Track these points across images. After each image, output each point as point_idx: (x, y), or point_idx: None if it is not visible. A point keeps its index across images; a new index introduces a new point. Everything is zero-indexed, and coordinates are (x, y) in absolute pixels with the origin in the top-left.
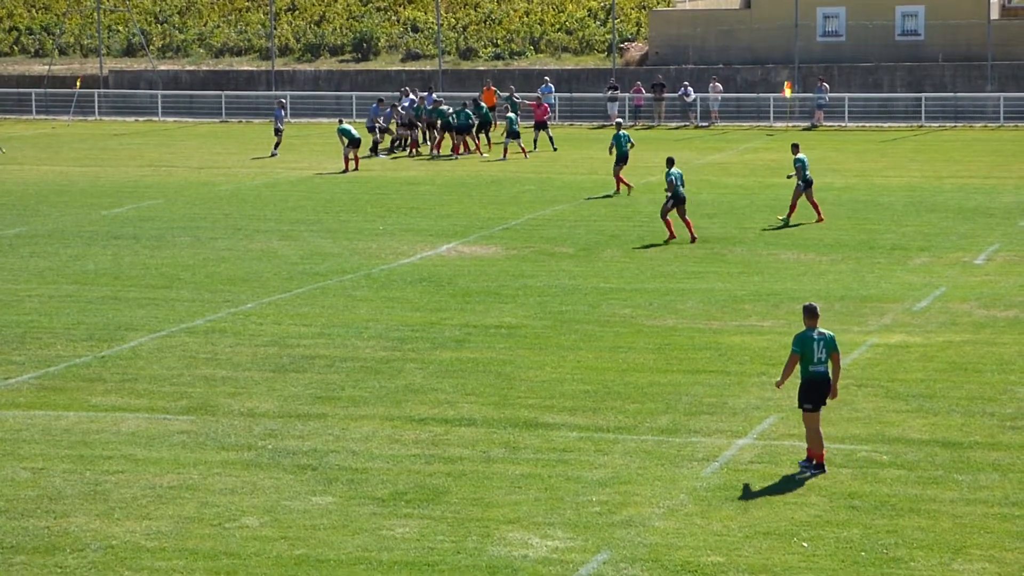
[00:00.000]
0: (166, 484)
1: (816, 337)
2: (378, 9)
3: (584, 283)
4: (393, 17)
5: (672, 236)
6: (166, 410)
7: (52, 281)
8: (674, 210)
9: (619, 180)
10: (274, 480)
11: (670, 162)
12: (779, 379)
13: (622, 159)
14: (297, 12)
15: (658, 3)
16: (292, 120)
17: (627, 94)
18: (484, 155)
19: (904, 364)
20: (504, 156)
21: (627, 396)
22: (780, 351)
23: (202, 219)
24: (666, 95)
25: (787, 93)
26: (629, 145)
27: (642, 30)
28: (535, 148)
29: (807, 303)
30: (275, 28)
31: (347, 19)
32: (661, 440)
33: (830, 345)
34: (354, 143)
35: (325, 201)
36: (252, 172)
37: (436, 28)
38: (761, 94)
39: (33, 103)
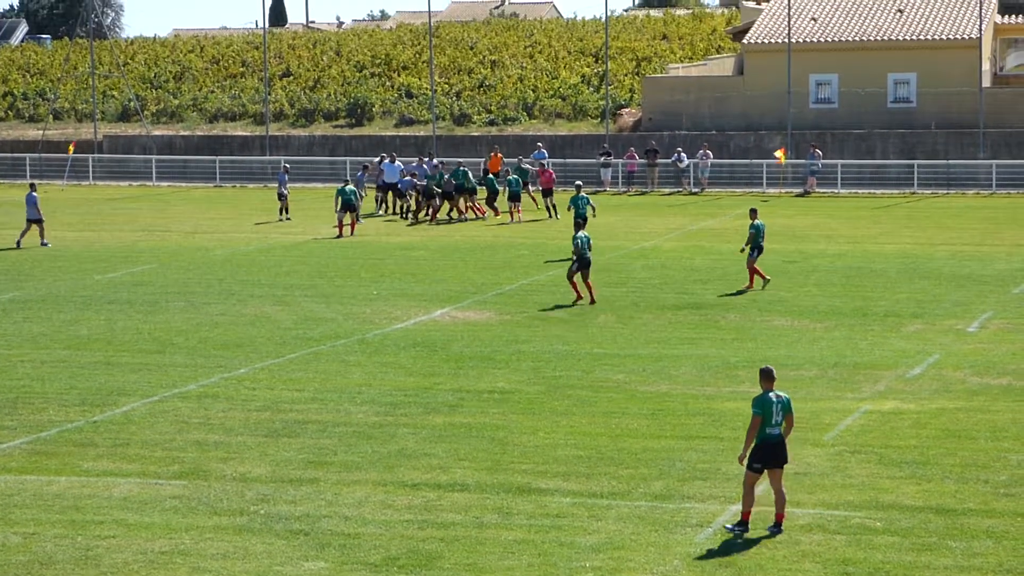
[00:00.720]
0: (158, 549)
1: (775, 400)
2: (372, 75)
3: (578, 348)
4: (387, 83)
5: (579, 297)
6: (158, 475)
7: (45, 346)
8: (579, 272)
9: None
10: (266, 545)
11: (578, 225)
12: (742, 451)
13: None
14: (291, 78)
15: (652, 70)
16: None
17: (620, 160)
18: (485, 216)
19: (897, 431)
20: (512, 219)
21: (620, 462)
22: None
23: (196, 284)
24: (659, 161)
25: (781, 159)
26: (589, 208)
27: (635, 96)
28: (556, 216)
29: (764, 366)
30: (269, 94)
31: (341, 85)
32: (655, 506)
33: (786, 408)
34: (346, 207)
35: (320, 266)
36: (247, 237)
37: (430, 94)
38: (754, 160)
39: (27, 168)
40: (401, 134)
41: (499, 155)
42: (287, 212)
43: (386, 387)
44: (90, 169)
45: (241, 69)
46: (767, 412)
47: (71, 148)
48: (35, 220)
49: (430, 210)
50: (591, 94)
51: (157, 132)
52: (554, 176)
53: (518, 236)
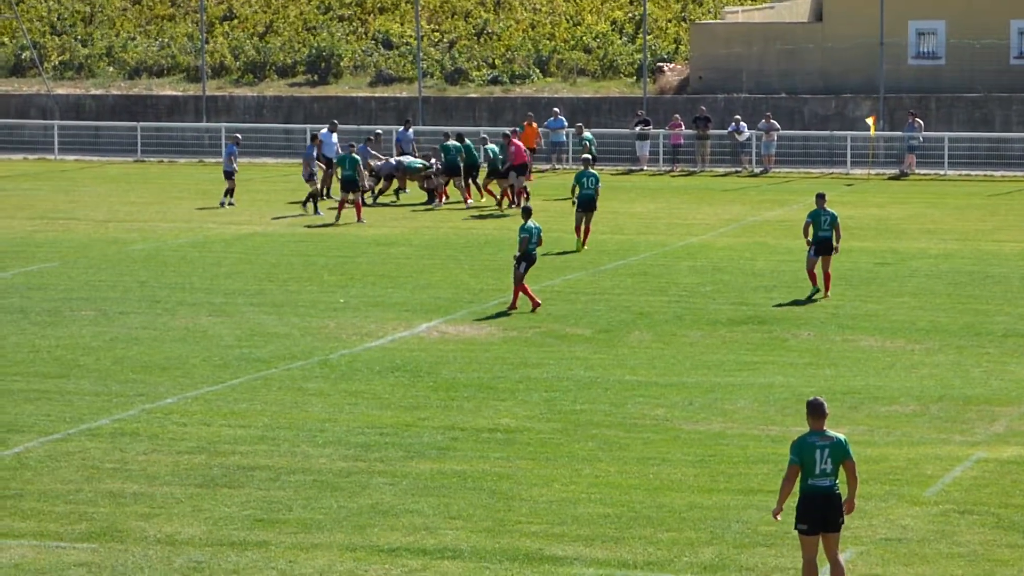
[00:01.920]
0: None
1: (820, 443)
2: (341, 19)
3: (605, 375)
4: (360, 29)
5: (536, 304)
6: (60, 536)
7: None
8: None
9: (579, 231)
10: None
11: (527, 212)
12: (776, 505)
13: (586, 205)
14: (236, 22)
15: (703, 14)
16: None
17: (661, 130)
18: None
19: (1020, 485)
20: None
21: (660, 522)
22: (859, 466)
23: (110, 288)
24: (712, 132)
25: (872, 130)
26: (596, 189)
27: (682, 48)
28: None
29: (812, 398)
30: (207, 42)
31: (300, 31)
32: None
33: (838, 452)
34: (346, 184)
35: (270, 266)
36: (176, 228)
37: (415, 44)
38: (835, 132)
39: None
40: (377, 95)
41: (534, 125)
42: (232, 195)
43: (356, 424)
44: None
45: (170, 10)
46: (806, 459)
47: None
48: None
49: (436, 192)
50: (624, 45)
51: (60, 91)
52: (525, 150)
53: None
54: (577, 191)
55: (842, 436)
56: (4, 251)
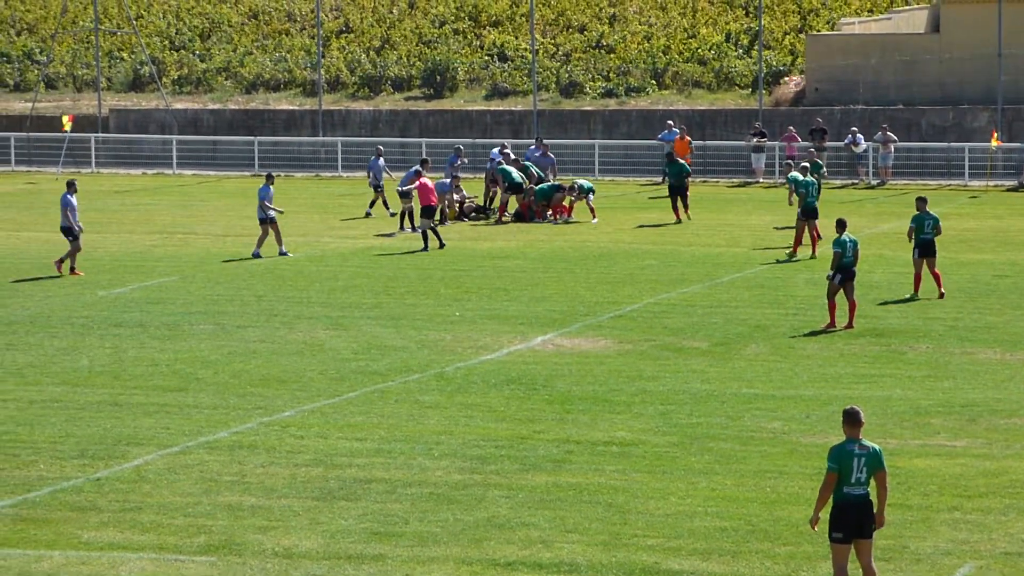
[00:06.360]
0: None
1: (857, 451)
2: (456, 32)
3: (721, 388)
4: (475, 42)
5: (832, 324)
6: (179, 549)
7: (35, 381)
8: (841, 289)
9: (800, 239)
10: None
11: (841, 226)
12: (813, 514)
13: (809, 212)
14: (352, 36)
15: (820, 25)
16: (343, 174)
17: (777, 142)
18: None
19: None
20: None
21: (777, 536)
22: (978, 479)
23: (228, 302)
24: (828, 144)
25: (993, 143)
26: (816, 193)
27: (798, 60)
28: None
29: (848, 407)
30: (323, 56)
31: (416, 45)
32: None
33: (874, 461)
34: (513, 188)
35: (386, 280)
36: (292, 242)
37: (531, 57)
38: (953, 143)
39: (12, 150)
40: (492, 108)
41: (687, 138)
42: (388, 208)
43: (471, 436)
44: (92, 152)
45: (287, 25)
46: (844, 467)
47: (67, 124)
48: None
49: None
50: (739, 57)
51: (178, 105)
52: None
53: (642, 242)
54: (800, 199)
55: (877, 446)
56: (124, 265)
